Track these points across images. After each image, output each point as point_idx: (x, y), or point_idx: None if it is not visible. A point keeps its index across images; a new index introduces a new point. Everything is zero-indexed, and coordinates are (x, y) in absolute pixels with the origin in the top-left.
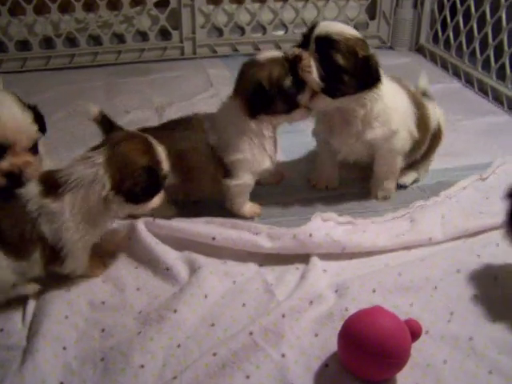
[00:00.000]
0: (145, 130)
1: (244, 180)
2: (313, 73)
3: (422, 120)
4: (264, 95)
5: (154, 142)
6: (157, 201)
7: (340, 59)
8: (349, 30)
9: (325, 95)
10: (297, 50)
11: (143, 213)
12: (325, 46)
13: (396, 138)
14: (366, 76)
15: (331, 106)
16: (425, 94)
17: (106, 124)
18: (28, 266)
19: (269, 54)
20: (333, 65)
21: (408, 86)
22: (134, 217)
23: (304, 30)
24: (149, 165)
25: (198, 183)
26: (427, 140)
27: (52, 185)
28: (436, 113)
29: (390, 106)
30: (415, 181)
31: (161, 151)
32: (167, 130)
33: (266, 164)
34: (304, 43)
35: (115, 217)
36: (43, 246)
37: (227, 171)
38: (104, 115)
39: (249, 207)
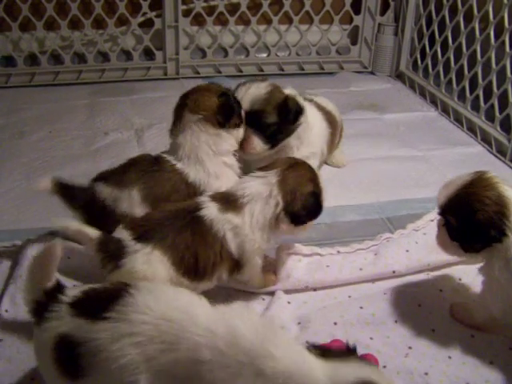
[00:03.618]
0: (107, 175)
1: None
2: (258, 149)
3: (332, 137)
4: (229, 105)
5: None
6: (310, 226)
7: (269, 119)
8: (262, 89)
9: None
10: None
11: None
12: (255, 119)
13: (314, 158)
14: (290, 114)
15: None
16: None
17: (64, 189)
18: (211, 284)
19: None
20: (268, 127)
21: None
22: None
23: (286, 53)
24: (315, 191)
25: None
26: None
27: (228, 201)
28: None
29: (314, 132)
30: None
31: (322, 180)
32: (136, 173)
33: (234, 179)
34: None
35: (279, 235)
36: (230, 262)
37: None
38: (59, 182)
39: None
